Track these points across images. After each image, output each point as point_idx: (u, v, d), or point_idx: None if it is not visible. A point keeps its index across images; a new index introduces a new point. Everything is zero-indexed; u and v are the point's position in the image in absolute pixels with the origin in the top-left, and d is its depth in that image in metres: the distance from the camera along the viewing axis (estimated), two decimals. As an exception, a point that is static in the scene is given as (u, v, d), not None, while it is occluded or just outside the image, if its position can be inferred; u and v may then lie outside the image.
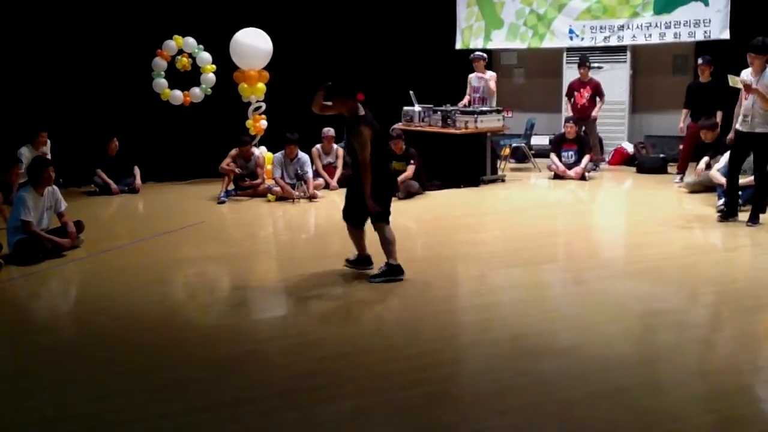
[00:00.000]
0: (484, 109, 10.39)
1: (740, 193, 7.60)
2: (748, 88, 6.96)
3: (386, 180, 5.71)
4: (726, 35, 10.92)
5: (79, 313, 5.38)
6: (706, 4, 11.34)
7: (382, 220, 5.60)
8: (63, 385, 3.88)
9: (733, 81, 7.15)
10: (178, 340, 4.53)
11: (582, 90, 11.21)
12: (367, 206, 5.49)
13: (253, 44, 10.28)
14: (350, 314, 4.98)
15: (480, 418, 3.41)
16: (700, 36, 11.48)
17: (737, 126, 7.28)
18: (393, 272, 5.58)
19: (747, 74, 7.12)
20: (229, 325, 4.84)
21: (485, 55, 11.20)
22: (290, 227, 8.25)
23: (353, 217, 5.71)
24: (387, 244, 5.60)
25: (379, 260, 5.74)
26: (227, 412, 3.51)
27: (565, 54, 12.64)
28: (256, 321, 5.15)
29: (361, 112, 5.59)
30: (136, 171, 10.32)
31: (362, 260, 5.88)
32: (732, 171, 7.40)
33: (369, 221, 5.66)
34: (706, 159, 9.13)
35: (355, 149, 5.47)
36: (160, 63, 10.55)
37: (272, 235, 8.15)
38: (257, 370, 4.04)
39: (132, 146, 10.45)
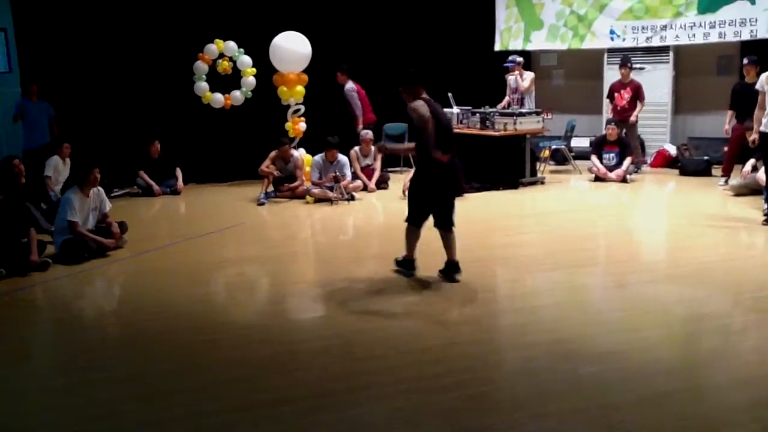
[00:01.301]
0: (523, 110, 10.32)
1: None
2: None
3: (443, 174, 5.49)
4: (773, 34, 10.67)
5: (122, 312, 5.49)
6: (753, 2, 11.09)
7: (412, 222, 5.65)
8: (105, 383, 3.96)
9: None
10: (217, 340, 4.59)
11: (622, 91, 11.05)
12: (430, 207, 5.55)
13: (292, 48, 10.37)
14: (388, 316, 4.98)
15: (519, 423, 3.38)
16: (746, 35, 11.22)
17: (763, 128, 7.14)
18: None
19: None
20: (268, 326, 4.89)
21: (519, 59, 11.06)
22: (328, 229, 8.29)
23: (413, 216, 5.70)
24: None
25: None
26: (266, 412, 3.55)
27: (606, 55, 12.48)
28: (295, 321, 5.19)
29: (424, 97, 5.51)
30: (178, 173, 10.50)
31: (407, 263, 5.85)
32: None
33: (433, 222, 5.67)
34: (752, 161, 8.93)
35: (418, 134, 5.41)
36: (201, 66, 10.70)
37: (311, 236, 8.20)
38: (295, 370, 4.07)
39: (174, 149, 10.65)
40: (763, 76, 7.21)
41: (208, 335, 4.67)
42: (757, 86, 7.29)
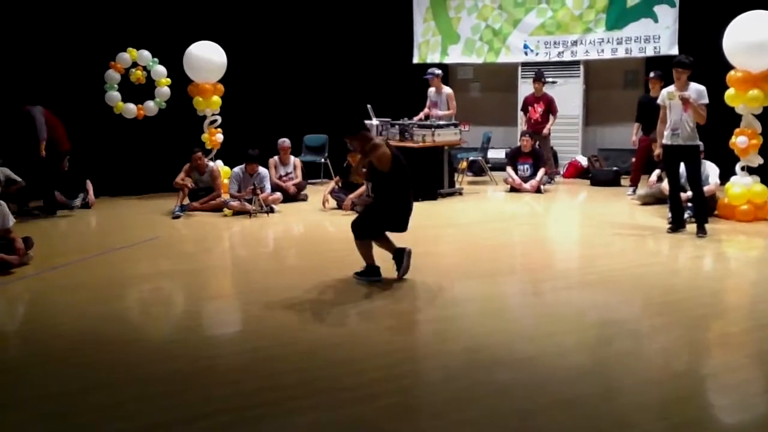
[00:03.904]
0: (441, 122, 10.46)
1: (689, 205, 7.80)
2: (686, 102, 7.17)
3: (401, 209, 5.88)
4: (675, 51, 11.21)
5: (26, 332, 5.21)
6: (656, 20, 11.66)
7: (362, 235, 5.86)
8: (10, 406, 3.75)
9: (671, 96, 7.36)
10: (130, 357, 4.42)
11: (536, 105, 11.38)
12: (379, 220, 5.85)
13: (207, 57, 10.20)
14: (306, 329, 4.93)
15: (438, 431, 3.39)
16: (650, 51, 11.79)
17: (665, 141, 7.48)
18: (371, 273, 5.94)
19: (672, 90, 7.37)
20: (184, 342, 4.75)
21: (438, 71, 11.19)
22: (247, 241, 8.16)
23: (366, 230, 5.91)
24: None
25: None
26: (180, 429, 3.44)
27: (520, 69, 12.84)
28: (212, 337, 5.07)
29: (376, 140, 5.93)
30: (89, 185, 10.10)
31: (372, 269, 5.94)
32: (672, 185, 7.59)
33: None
34: (657, 171, 9.34)
35: (378, 174, 5.76)
36: (113, 75, 10.40)
37: (229, 249, 8.05)
38: (213, 386, 3.96)
39: (84, 160, 10.24)
40: (664, 91, 7.56)
41: (120, 353, 4.49)
42: (659, 101, 7.63)
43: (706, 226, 7.42)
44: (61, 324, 5.09)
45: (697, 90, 7.28)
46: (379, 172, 5.76)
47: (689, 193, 7.70)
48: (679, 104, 7.25)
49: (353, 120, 5.90)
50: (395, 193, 5.81)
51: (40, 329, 5.06)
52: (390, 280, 5.86)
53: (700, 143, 7.48)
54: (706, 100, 7.26)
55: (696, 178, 7.46)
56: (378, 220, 5.89)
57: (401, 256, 5.93)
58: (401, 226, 5.93)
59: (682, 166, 7.53)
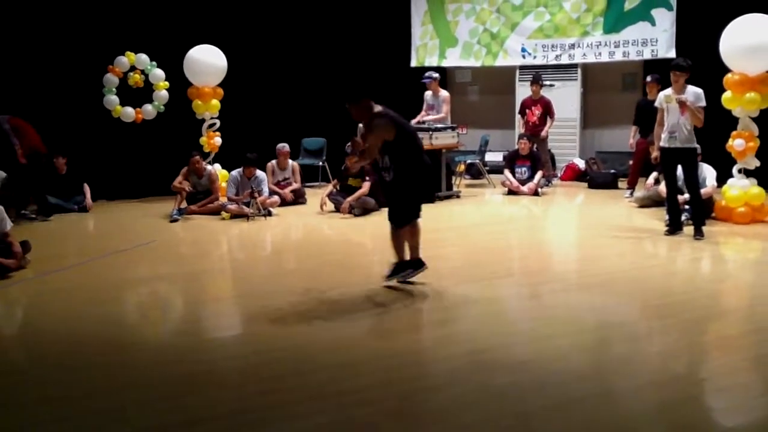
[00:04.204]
0: (439, 126, 10.47)
1: (686, 208, 7.81)
2: (683, 105, 7.19)
3: (422, 172, 5.63)
4: (672, 54, 11.25)
5: (24, 336, 5.21)
6: (653, 23, 11.69)
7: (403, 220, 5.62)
8: (8, 409, 3.74)
9: (668, 99, 7.37)
10: (128, 361, 4.42)
11: (533, 108, 11.40)
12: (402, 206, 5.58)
13: (208, 61, 10.22)
14: (307, 332, 4.93)
15: (437, 434, 3.40)
16: (647, 55, 11.82)
17: (662, 144, 7.50)
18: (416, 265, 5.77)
19: (669, 92, 7.39)
20: (182, 345, 4.75)
21: (436, 75, 11.21)
22: (245, 245, 8.16)
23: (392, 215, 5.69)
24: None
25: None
26: (180, 433, 3.44)
27: (517, 72, 12.87)
28: (211, 340, 5.06)
29: (377, 109, 5.51)
30: (86, 189, 10.10)
31: (397, 267, 5.77)
32: (669, 187, 7.60)
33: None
34: (654, 174, 9.35)
35: (387, 145, 5.43)
36: (111, 79, 10.41)
37: (227, 253, 8.05)
38: (212, 390, 3.96)
39: (83, 164, 10.24)
40: (661, 94, 7.57)
41: (119, 356, 4.49)
42: (656, 104, 7.65)
43: (704, 228, 7.43)
44: (59, 327, 5.07)
45: (694, 93, 7.30)
46: (387, 142, 5.45)
47: (686, 196, 7.71)
48: (677, 107, 7.26)
49: (356, 86, 5.56)
50: (411, 156, 5.50)
51: (38, 333, 5.05)
52: (390, 285, 5.84)
53: (698, 146, 7.50)
54: (703, 103, 7.28)
55: (693, 181, 7.47)
56: (409, 194, 5.60)
57: (418, 265, 5.80)
58: (430, 194, 5.71)
59: (680, 169, 7.55)
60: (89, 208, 9.98)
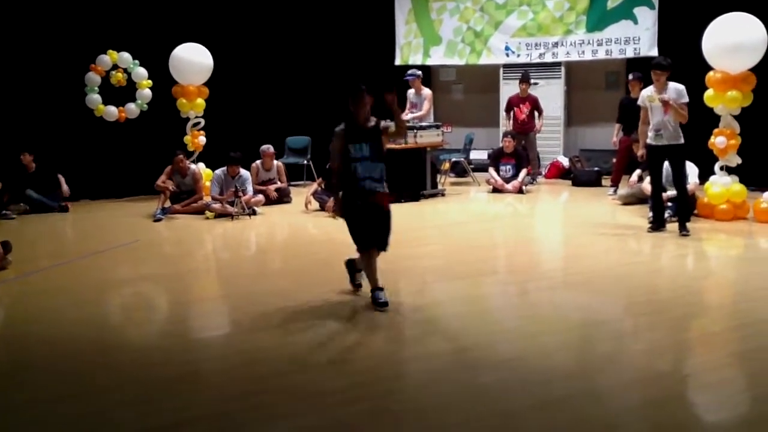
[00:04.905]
0: (424, 124, 10.47)
1: (669, 204, 7.86)
2: (666, 104, 7.22)
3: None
4: (654, 52, 11.30)
5: (6, 337, 5.13)
6: (636, 22, 11.75)
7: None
8: (-13, 413, 3.70)
9: (651, 99, 7.41)
10: (112, 362, 4.37)
11: (522, 105, 11.45)
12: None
13: (193, 59, 10.15)
14: (291, 331, 4.90)
15: (422, 433, 3.39)
16: (630, 53, 11.88)
17: (649, 141, 7.54)
18: None
19: (650, 91, 7.42)
20: (166, 346, 4.71)
21: (419, 72, 11.24)
22: (229, 244, 8.11)
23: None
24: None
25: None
26: (163, 435, 3.41)
27: (501, 70, 12.90)
28: (196, 341, 5.02)
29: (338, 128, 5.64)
30: (61, 179, 9.92)
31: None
32: (654, 185, 7.64)
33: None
34: (638, 172, 9.40)
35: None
36: (93, 78, 10.31)
37: (211, 252, 8.00)
38: (194, 391, 3.93)
39: (64, 163, 10.12)
40: (644, 92, 7.60)
41: (102, 358, 4.44)
42: (639, 102, 7.67)
43: (687, 224, 7.48)
44: (41, 329, 5.01)
45: (676, 89, 7.33)
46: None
47: (670, 193, 7.75)
48: (660, 106, 7.30)
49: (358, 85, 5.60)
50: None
51: (19, 335, 4.99)
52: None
53: (683, 141, 7.53)
54: (686, 99, 7.32)
55: (681, 177, 7.50)
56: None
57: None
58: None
59: (664, 166, 7.59)
60: (66, 194, 9.85)
